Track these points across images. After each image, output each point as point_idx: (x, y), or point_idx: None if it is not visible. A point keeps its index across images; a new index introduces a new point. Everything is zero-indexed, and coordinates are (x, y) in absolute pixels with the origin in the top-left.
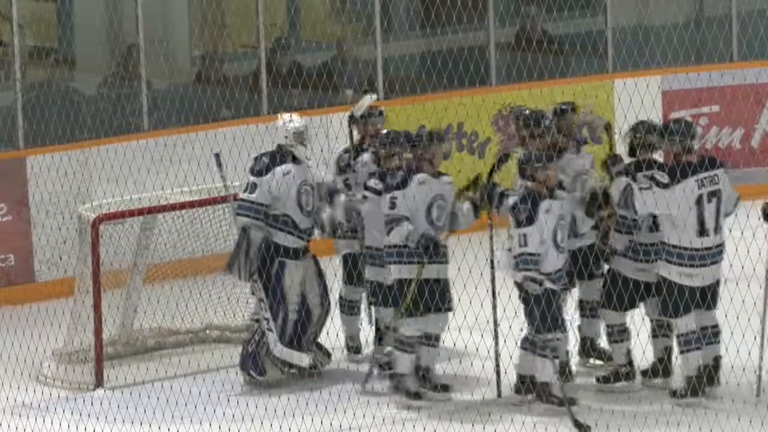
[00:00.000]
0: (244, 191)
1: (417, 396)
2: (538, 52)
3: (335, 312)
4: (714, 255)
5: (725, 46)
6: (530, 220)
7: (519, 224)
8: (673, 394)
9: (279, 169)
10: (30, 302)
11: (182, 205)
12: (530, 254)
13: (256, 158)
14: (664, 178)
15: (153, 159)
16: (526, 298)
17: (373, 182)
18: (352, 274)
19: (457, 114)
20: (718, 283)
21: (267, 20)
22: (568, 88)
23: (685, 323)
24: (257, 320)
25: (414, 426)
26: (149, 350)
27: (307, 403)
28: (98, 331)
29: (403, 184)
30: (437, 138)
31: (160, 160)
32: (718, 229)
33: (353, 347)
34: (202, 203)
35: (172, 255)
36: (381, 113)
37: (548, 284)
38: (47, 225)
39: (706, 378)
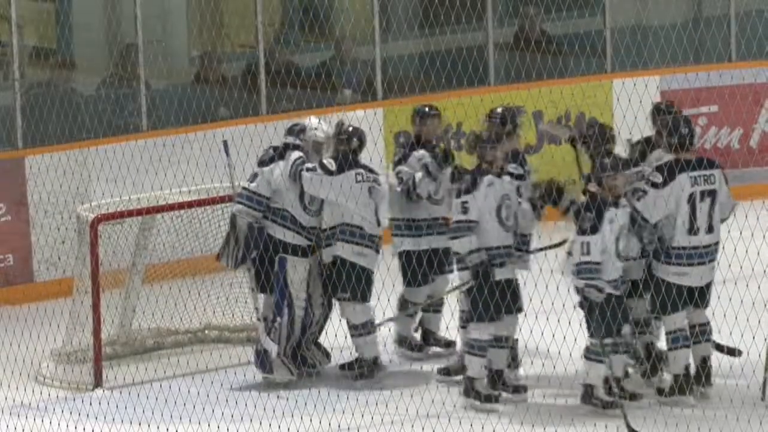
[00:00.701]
0: (248, 181)
1: (489, 399)
2: (536, 52)
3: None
4: (706, 254)
5: (724, 46)
6: (594, 229)
7: (583, 232)
8: (660, 392)
9: (282, 162)
10: (29, 302)
11: (181, 205)
12: (592, 263)
13: (265, 150)
14: (657, 178)
15: (152, 159)
16: (584, 304)
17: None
18: (416, 274)
19: (455, 114)
20: (711, 283)
21: (266, 20)
22: (566, 88)
23: (674, 321)
24: (264, 317)
25: (413, 426)
26: (148, 350)
27: (306, 403)
28: (97, 331)
29: (473, 187)
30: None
31: (158, 160)
32: (711, 229)
33: (416, 345)
34: (200, 203)
35: (171, 255)
36: (437, 113)
37: (609, 290)
38: (46, 225)
39: (694, 377)
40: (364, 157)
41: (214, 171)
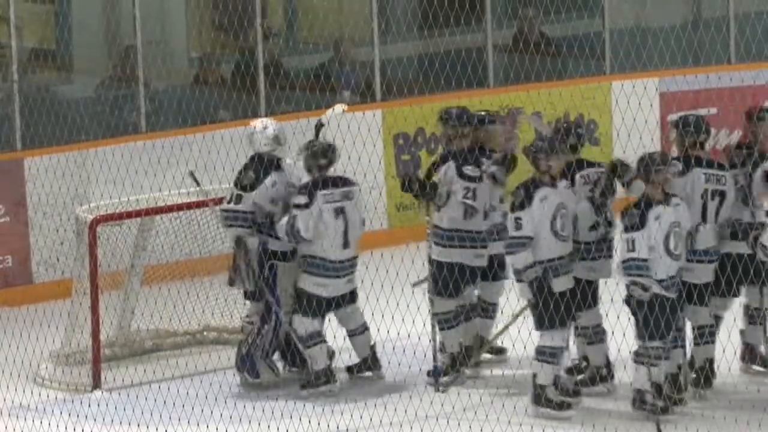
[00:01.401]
0: (229, 202)
1: (562, 406)
2: (535, 53)
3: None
4: (711, 254)
5: (723, 47)
6: (638, 226)
7: (627, 229)
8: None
9: (266, 183)
10: (27, 304)
11: (180, 207)
12: (637, 260)
13: (240, 171)
14: (678, 167)
15: (150, 161)
16: (631, 303)
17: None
18: (487, 274)
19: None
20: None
21: (264, 22)
22: (565, 90)
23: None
24: (251, 322)
25: (411, 427)
26: (146, 352)
27: (303, 405)
28: (95, 333)
29: (528, 201)
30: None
31: (157, 161)
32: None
33: (496, 349)
34: (199, 205)
35: (170, 257)
36: (493, 120)
37: (657, 290)
38: (45, 226)
39: (694, 379)
40: (362, 159)
41: (213, 173)
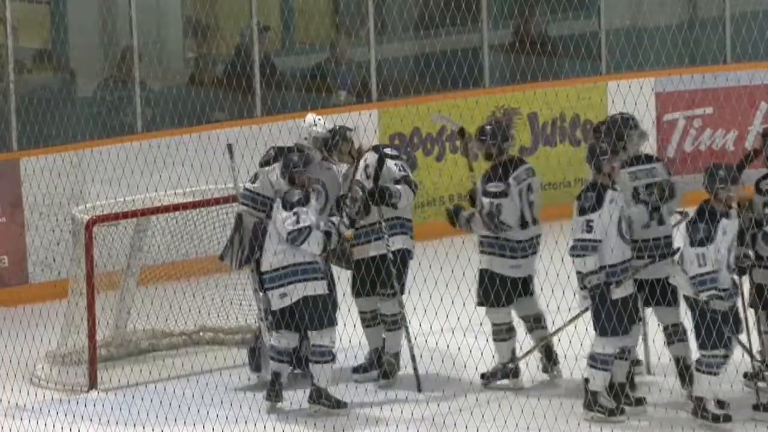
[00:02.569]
0: (249, 181)
1: (614, 412)
2: (531, 54)
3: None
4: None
5: (719, 47)
6: (706, 241)
7: (695, 243)
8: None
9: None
10: (23, 304)
11: (176, 207)
12: (710, 273)
13: (267, 150)
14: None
15: (147, 161)
16: (697, 313)
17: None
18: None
19: (450, 116)
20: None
21: (260, 22)
22: (561, 90)
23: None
24: (263, 319)
25: (407, 427)
26: (143, 352)
27: (300, 405)
28: (92, 333)
29: (598, 204)
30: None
31: (153, 162)
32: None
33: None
34: (195, 205)
35: (166, 257)
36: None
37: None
38: (41, 227)
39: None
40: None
41: (209, 173)
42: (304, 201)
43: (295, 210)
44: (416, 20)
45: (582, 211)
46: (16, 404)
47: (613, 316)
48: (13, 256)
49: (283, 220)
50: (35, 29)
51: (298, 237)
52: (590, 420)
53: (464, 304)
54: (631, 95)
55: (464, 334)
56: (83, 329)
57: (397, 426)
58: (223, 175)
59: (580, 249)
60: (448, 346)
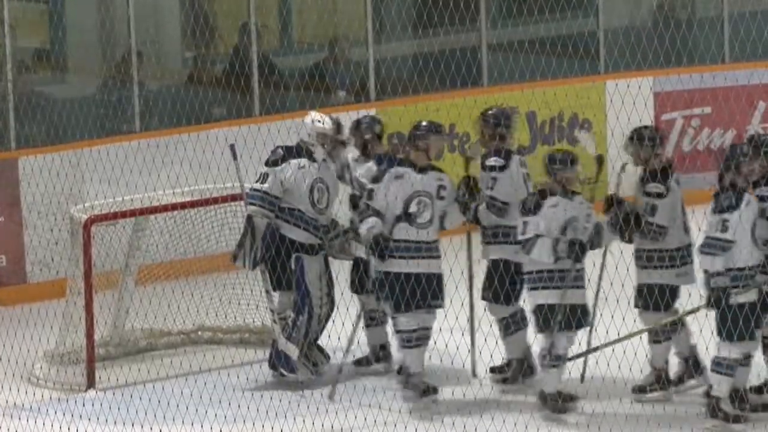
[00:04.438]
0: (256, 181)
1: (738, 419)
2: (530, 53)
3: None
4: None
5: (717, 47)
6: (727, 210)
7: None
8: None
9: (294, 162)
10: (22, 303)
11: (174, 206)
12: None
13: (273, 150)
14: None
15: (145, 160)
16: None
17: None
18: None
19: (449, 115)
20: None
21: (259, 21)
22: (560, 89)
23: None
24: (284, 318)
25: (406, 427)
26: (141, 351)
27: (298, 405)
28: (90, 333)
29: (737, 204)
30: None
31: (152, 161)
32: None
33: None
34: (194, 204)
35: (164, 256)
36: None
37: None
38: (39, 226)
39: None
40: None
41: (208, 172)
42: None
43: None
44: (414, 19)
45: (720, 210)
46: (15, 403)
47: (739, 320)
48: (11, 255)
49: None
50: (33, 28)
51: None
52: (711, 429)
53: (462, 305)
54: (630, 94)
55: (462, 334)
56: (81, 328)
57: (395, 426)
58: (221, 174)
59: (711, 247)
60: (446, 345)
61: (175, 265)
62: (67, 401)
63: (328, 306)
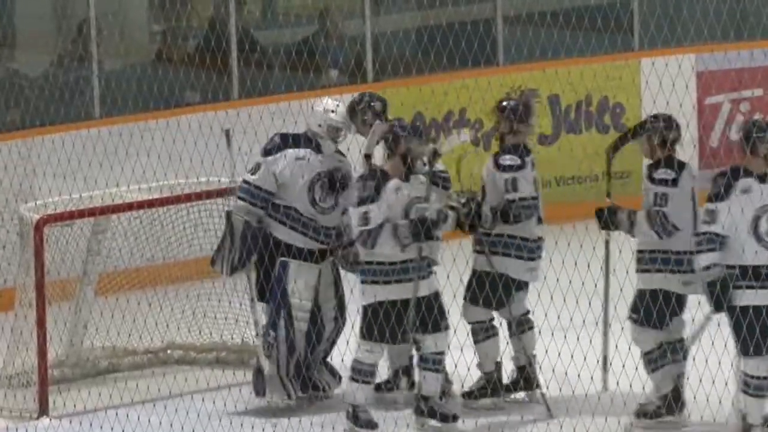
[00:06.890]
0: (248, 172)
1: None
2: (552, 26)
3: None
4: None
5: None
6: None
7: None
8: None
9: (291, 152)
10: None
11: (140, 205)
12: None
13: (270, 137)
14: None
15: (106, 151)
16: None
17: None
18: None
19: (458, 99)
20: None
21: None
22: (587, 68)
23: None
24: (259, 335)
25: None
26: (101, 373)
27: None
28: (42, 351)
29: (726, 193)
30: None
31: (114, 152)
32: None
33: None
34: (162, 202)
35: (128, 262)
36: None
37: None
38: None
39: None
40: (343, 147)
41: (179, 165)
42: None
43: None
44: None
45: (707, 198)
46: None
47: (756, 331)
48: None
49: None
50: None
51: None
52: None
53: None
54: (668, 74)
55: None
56: (33, 346)
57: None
58: (194, 167)
59: (698, 243)
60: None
61: (141, 272)
62: (17, 430)
63: (340, 322)
